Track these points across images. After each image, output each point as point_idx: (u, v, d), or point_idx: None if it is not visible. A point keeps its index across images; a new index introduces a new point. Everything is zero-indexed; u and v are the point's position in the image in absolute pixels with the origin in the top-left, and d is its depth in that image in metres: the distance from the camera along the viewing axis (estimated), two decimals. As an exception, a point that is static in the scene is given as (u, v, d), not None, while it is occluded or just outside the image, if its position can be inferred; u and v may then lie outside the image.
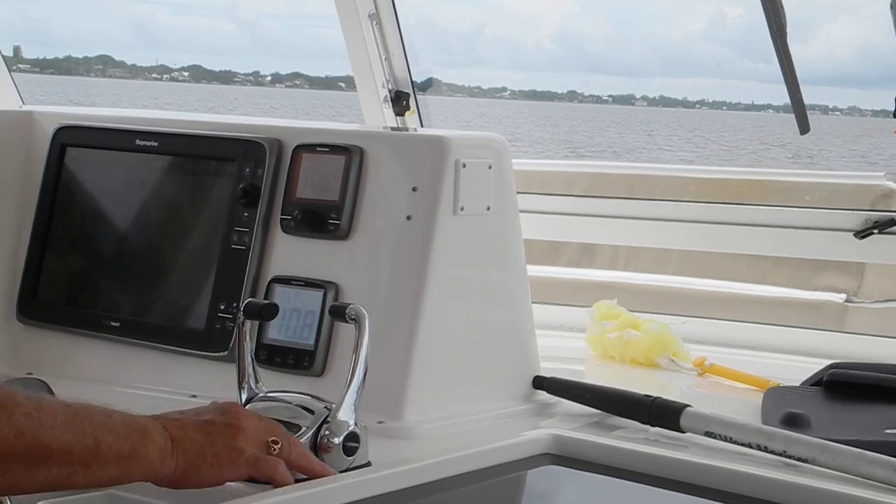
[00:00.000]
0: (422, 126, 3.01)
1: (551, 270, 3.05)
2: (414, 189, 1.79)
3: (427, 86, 3.14)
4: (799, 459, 1.63)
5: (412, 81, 2.96)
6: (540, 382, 1.91)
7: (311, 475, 1.43)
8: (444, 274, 1.78)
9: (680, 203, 2.80)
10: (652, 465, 1.63)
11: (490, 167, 1.84)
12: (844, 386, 2.02)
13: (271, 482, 1.39)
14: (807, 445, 1.63)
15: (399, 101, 2.95)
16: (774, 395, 2.03)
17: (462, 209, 1.79)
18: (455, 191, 1.78)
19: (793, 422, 1.80)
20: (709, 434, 1.72)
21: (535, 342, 1.94)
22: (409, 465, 1.56)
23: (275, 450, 1.39)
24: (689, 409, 1.75)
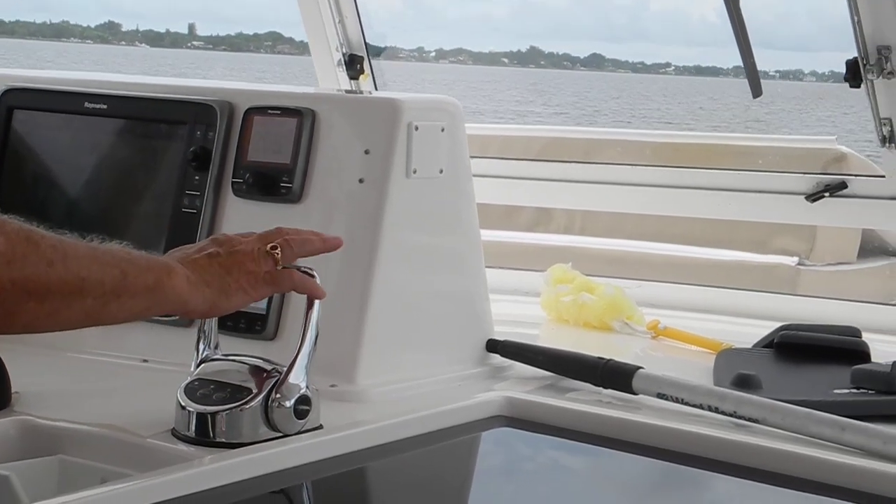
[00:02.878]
0: (376, 89, 3.00)
1: (507, 235, 3.06)
2: (366, 152, 1.78)
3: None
4: (749, 420, 1.64)
5: (366, 45, 2.95)
6: (493, 346, 1.91)
7: (319, 248, 1.51)
8: (396, 237, 1.77)
9: (635, 167, 2.81)
10: (604, 427, 1.64)
11: (443, 130, 1.83)
12: (794, 347, 2.04)
13: (296, 291, 1.49)
14: (757, 406, 1.65)
15: (353, 65, 2.94)
16: (726, 357, 2.05)
17: (415, 172, 1.78)
18: (408, 153, 1.77)
19: (744, 383, 1.81)
20: (661, 396, 1.73)
21: (489, 306, 1.94)
22: (360, 427, 1.56)
23: (276, 255, 1.46)
24: (641, 371, 1.76)
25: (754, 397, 1.68)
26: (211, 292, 1.41)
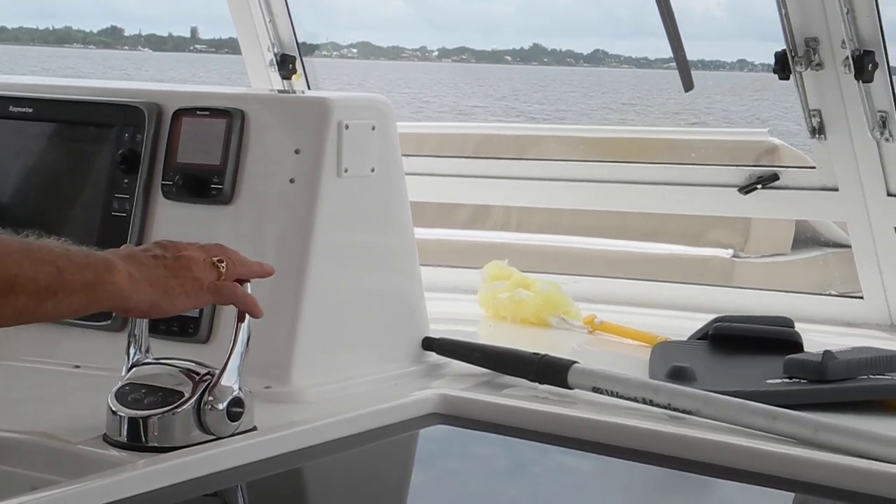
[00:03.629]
0: (309, 88, 2.99)
1: (444, 233, 3.06)
2: (297, 152, 1.77)
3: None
4: (683, 412, 1.65)
5: (298, 44, 2.93)
6: (429, 344, 1.91)
7: (257, 273, 1.51)
8: (329, 236, 1.76)
9: (569, 163, 2.81)
10: (540, 422, 1.64)
11: (373, 128, 1.82)
12: (728, 339, 2.06)
13: (234, 304, 1.47)
14: (691, 398, 1.66)
15: (285, 65, 2.92)
16: (661, 350, 2.06)
17: (346, 171, 1.77)
18: (338, 152, 1.76)
19: (678, 375, 1.82)
20: (596, 390, 1.73)
21: (424, 303, 1.94)
22: (295, 428, 1.55)
23: (221, 268, 1.45)
24: (576, 365, 1.77)
25: (688, 389, 1.69)
26: (154, 292, 1.40)
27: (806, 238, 3.29)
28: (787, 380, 1.81)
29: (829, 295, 2.74)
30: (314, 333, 1.74)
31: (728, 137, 2.87)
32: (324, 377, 1.74)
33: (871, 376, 1.79)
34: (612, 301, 2.57)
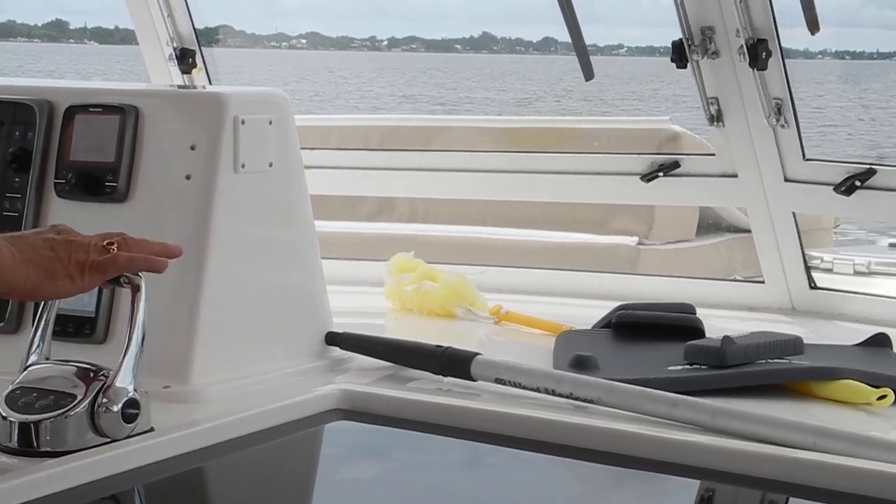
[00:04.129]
0: (210, 83, 2.95)
1: (350, 225, 3.06)
2: (192, 148, 1.74)
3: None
4: (585, 401, 1.66)
5: (198, 38, 2.89)
6: (333, 338, 1.90)
7: (159, 254, 1.48)
8: (227, 233, 1.74)
9: (475, 153, 2.82)
10: (442, 416, 1.64)
11: (271, 123, 1.81)
12: (631, 326, 2.07)
13: (128, 271, 1.45)
14: (593, 387, 1.67)
15: (184, 59, 2.88)
16: (566, 339, 2.07)
17: (243, 166, 1.75)
18: (235, 148, 1.74)
19: (581, 364, 1.83)
20: (499, 381, 1.74)
21: (327, 298, 1.92)
22: (193, 428, 1.53)
23: (112, 249, 1.44)
24: (479, 357, 1.77)
25: (590, 378, 1.70)
26: (36, 273, 1.38)
27: (710, 224, 3.34)
28: (687, 366, 1.83)
29: (732, 280, 2.77)
30: (214, 331, 1.72)
31: (631, 126, 2.89)
32: (224, 375, 1.72)
33: (770, 360, 1.81)
34: (519, 290, 2.58)
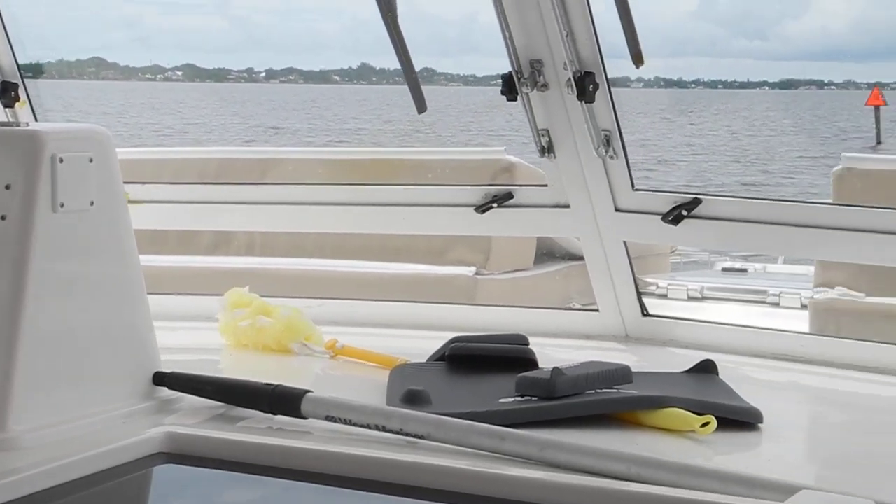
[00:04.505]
0: (35, 118, 2.87)
1: (187, 260, 3.00)
2: (7, 187, 1.69)
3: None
4: (416, 436, 1.65)
5: (20, 71, 2.81)
6: (160, 378, 1.86)
7: None
8: (46, 273, 1.69)
9: (311, 186, 2.80)
10: (271, 456, 1.61)
11: (91, 160, 1.76)
12: (465, 359, 2.08)
13: None
14: (422, 422, 1.66)
15: (6, 93, 2.79)
16: (400, 373, 2.06)
17: (62, 205, 1.70)
18: (53, 187, 1.69)
19: (412, 399, 1.82)
20: (329, 418, 1.72)
21: (154, 336, 1.88)
22: (10, 477, 1.48)
23: None
24: (309, 394, 1.75)
25: (420, 413, 1.69)
26: None
27: (549, 252, 3.37)
28: (519, 398, 1.83)
29: (567, 309, 2.80)
30: (32, 374, 1.67)
31: (466, 157, 2.91)
32: (44, 420, 1.66)
33: (599, 390, 1.83)
34: (357, 323, 2.57)
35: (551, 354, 2.24)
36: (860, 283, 2.70)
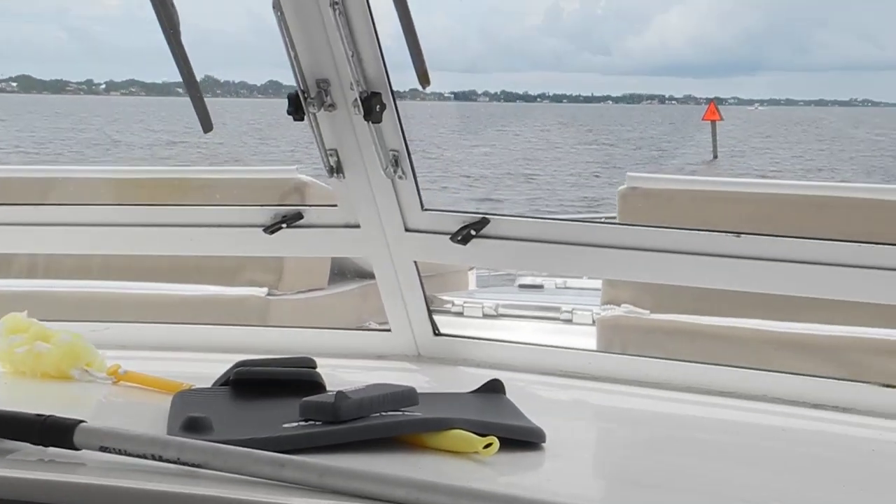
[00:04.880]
0: None
1: (-35, 284, 2.87)
2: None
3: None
4: (194, 465, 1.61)
5: None
6: (-80, 412, 1.76)
7: None
8: None
9: (95, 207, 2.71)
10: (39, 492, 1.55)
11: None
12: (250, 383, 2.03)
13: None
14: (200, 450, 1.62)
15: None
16: (182, 399, 2.00)
17: None
18: None
19: (193, 426, 1.77)
20: (104, 449, 1.66)
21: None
22: None
23: None
24: (82, 424, 1.68)
25: (198, 442, 1.65)
26: None
27: (345, 271, 3.35)
28: (303, 423, 1.80)
29: (359, 329, 2.79)
30: None
31: (256, 176, 2.86)
32: None
33: (384, 413, 1.82)
34: (144, 347, 2.50)
35: (341, 376, 2.22)
36: (645, 301, 2.76)
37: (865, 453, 1.97)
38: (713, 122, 29.73)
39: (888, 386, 2.15)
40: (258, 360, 2.13)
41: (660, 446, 1.97)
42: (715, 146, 29.98)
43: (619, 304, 2.79)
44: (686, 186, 2.81)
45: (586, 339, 3.00)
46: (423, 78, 2.29)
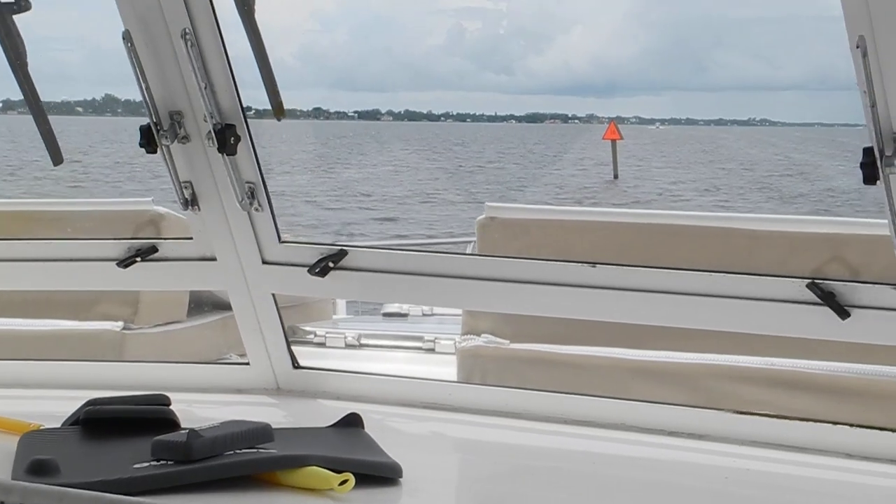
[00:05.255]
0: None
1: None
2: None
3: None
4: (39, 511, 1.56)
5: None
6: None
7: None
8: None
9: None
10: None
11: None
12: (101, 423, 1.98)
13: None
14: (45, 495, 1.57)
15: None
16: (29, 441, 1.94)
17: None
18: None
19: (38, 470, 1.72)
20: (-57, 496, 1.60)
21: None
22: None
23: None
24: (-82, 471, 1.62)
25: (43, 486, 1.60)
26: None
27: (204, 302, 3.30)
28: (155, 463, 1.76)
29: (217, 363, 2.74)
30: None
31: (110, 208, 2.80)
32: None
33: (238, 451, 1.79)
34: (-4, 384, 2.42)
35: (196, 413, 2.18)
36: (505, 330, 2.77)
37: (719, 480, 2.00)
38: (613, 142, 29.94)
39: (742, 413, 2.19)
40: (110, 398, 2.08)
41: (518, 478, 1.97)
42: (615, 166, 30.25)
43: (479, 334, 2.79)
44: (543, 216, 2.83)
45: (449, 368, 2.99)
46: (278, 110, 2.27)
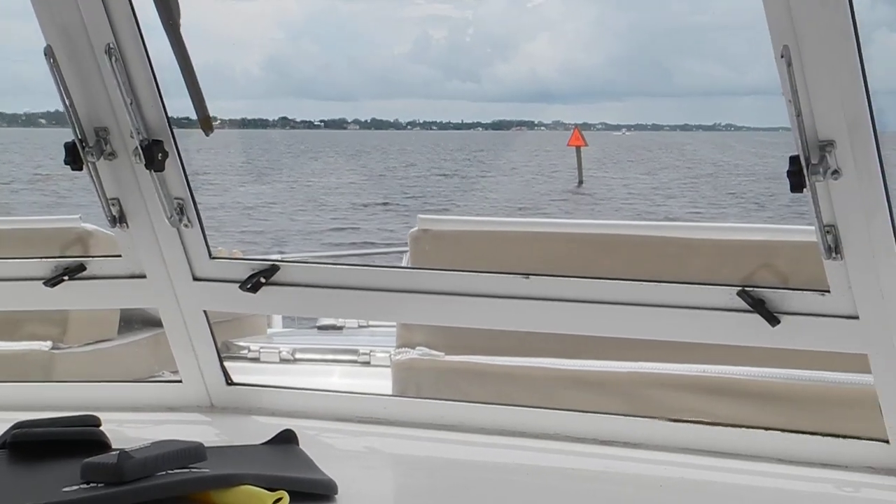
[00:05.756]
0: None
1: None
2: None
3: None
4: (-37, 540, 1.53)
5: None
6: None
7: None
8: None
9: None
10: None
11: None
12: (28, 446, 1.94)
13: None
14: (-29, 523, 1.54)
15: None
16: (-45, 467, 1.90)
17: None
18: None
19: (-35, 496, 1.69)
20: None
21: None
22: None
23: None
24: None
25: (-32, 514, 1.56)
26: None
27: (135, 319, 3.26)
28: (85, 485, 1.73)
29: (149, 381, 2.71)
30: None
31: (35, 226, 2.76)
32: None
33: (170, 471, 1.76)
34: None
35: (128, 433, 2.15)
36: (439, 342, 2.76)
37: (654, 488, 2.01)
38: (578, 148, 29.94)
39: (675, 420, 2.20)
40: (38, 419, 2.04)
41: (455, 492, 1.97)
42: (580, 172, 30.27)
43: (413, 347, 2.78)
44: (475, 227, 2.83)
45: (385, 381, 2.98)
46: (205, 124, 2.24)
